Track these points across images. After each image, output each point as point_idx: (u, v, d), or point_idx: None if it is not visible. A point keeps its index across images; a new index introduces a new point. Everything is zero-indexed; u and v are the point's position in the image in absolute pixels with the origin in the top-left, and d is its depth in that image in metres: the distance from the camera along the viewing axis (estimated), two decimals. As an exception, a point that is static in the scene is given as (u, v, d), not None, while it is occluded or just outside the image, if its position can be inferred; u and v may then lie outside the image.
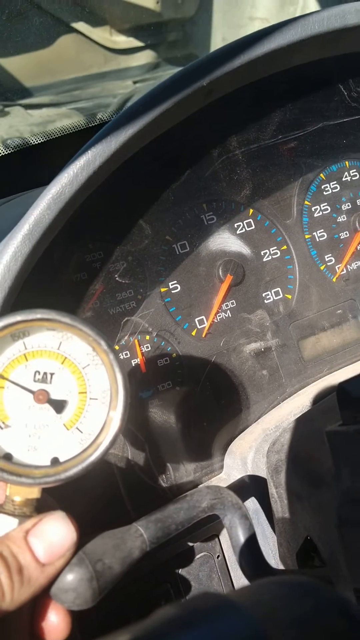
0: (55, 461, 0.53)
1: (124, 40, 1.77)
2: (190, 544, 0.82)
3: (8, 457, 0.52)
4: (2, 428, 0.52)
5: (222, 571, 0.83)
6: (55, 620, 0.52)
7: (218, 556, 0.83)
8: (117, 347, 0.82)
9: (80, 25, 1.69)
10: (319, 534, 0.60)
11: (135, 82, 1.73)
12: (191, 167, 0.82)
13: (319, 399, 0.83)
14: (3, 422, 0.52)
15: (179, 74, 0.64)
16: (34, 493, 0.52)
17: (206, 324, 0.87)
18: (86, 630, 0.65)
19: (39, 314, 0.51)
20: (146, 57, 1.84)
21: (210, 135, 0.81)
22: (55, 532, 0.50)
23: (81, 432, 0.53)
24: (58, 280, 0.80)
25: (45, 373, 0.53)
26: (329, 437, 0.57)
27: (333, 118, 0.87)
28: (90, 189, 0.66)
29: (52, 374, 0.53)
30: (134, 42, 1.78)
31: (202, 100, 0.69)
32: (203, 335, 0.87)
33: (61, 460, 0.53)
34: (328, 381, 0.88)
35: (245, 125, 0.83)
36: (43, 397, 0.52)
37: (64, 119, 1.55)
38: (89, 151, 0.62)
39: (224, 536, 0.85)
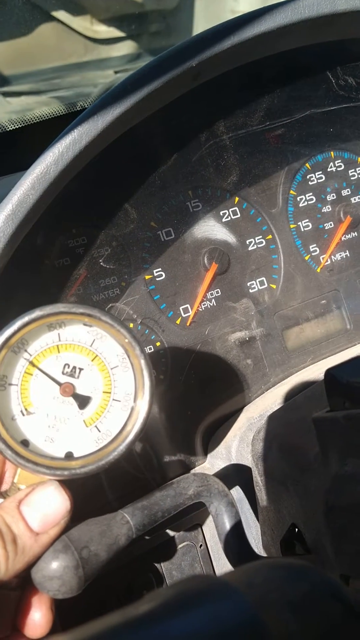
0: (69, 456, 0.53)
1: (105, 30, 1.75)
2: (173, 533, 0.81)
3: (25, 443, 0.52)
4: (24, 415, 0.52)
5: (204, 561, 0.83)
6: (38, 614, 0.51)
7: (201, 545, 0.83)
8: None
9: (61, 14, 1.67)
10: (305, 521, 0.59)
11: (116, 72, 1.71)
12: (178, 151, 0.81)
13: (303, 389, 0.83)
14: (26, 409, 0.52)
15: (168, 53, 0.63)
16: None
17: (191, 313, 0.86)
18: (66, 620, 0.63)
19: (81, 308, 0.52)
20: (127, 47, 1.82)
21: (197, 120, 0.80)
22: (49, 501, 0.49)
23: (99, 431, 0.54)
24: (41, 265, 0.79)
25: (74, 367, 0.54)
26: (316, 424, 0.56)
27: (320, 106, 0.86)
28: (76, 169, 0.64)
29: (80, 369, 0.54)
30: (115, 32, 1.76)
31: (191, 82, 0.67)
32: (187, 324, 0.86)
33: (75, 455, 0.53)
34: (312, 371, 0.88)
35: (233, 110, 0.82)
36: (69, 390, 0.53)
37: (43, 107, 1.53)
38: (75, 130, 0.60)
39: (207, 526, 0.84)
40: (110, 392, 0.54)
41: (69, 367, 0.54)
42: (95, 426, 0.54)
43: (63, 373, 0.54)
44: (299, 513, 0.60)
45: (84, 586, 0.50)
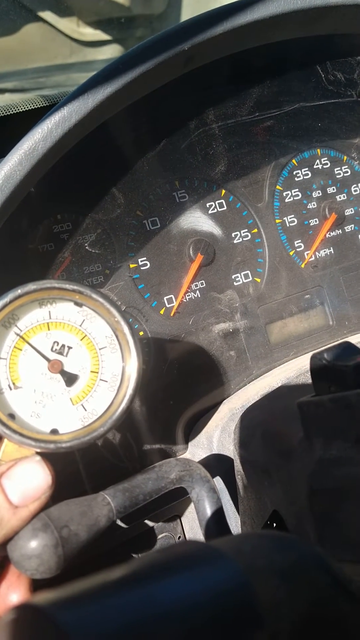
0: (54, 432, 0.53)
1: (90, 33, 1.75)
2: (152, 524, 0.80)
3: (11, 416, 0.52)
4: (11, 389, 0.52)
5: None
6: (16, 595, 0.50)
7: (179, 537, 0.82)
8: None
9: (47, 15, 1.66)
10: (287, 507, 0.59)
11: (101, 74, 1.70)
12: (167, 138, 0.80)
13: (285, 381, 0.82)
14: (14, 383, 0.52)
15: (160, 35, 0.62)
16: None
17: (175, 303, 0.85)
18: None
19: (73, 285, 0.52)
20: (112, 51, 1.82)
21: (188, 107, 0.80)
22: (30, 475, 0.48)
23: (85, 409, 0.54)
24: (24, 250, 0.78)
25: (63, 345, 0.54)
26: (301, 408, 0.56)
27: (309, 100, 0.87)
28: (63, 149, 0.63)
29: (69, 348, 0.54)
30: (100, 35, 1.76)
31: (182, 66, 0.67)
32: (171, 314, 0.85)
33: (60, 432, 0.53)
34: (294, 364, 0.88)
35: (223, 99, 0.82)
36: (57, 367, 0.53)
37: (28, 105, 1.52)
38: (65, 107, 0.59)
39: (185, 517, 0.83)
40: (97, 372, 0.55)
41: (58, 345, 0.54)
42: (82, 405, 0.54)
43: (52, 350, 0.54)
44: (281, 499, 0.60)
45: (63, 566, 0.48)
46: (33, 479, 0.49)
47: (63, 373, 0.53)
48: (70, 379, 0.53)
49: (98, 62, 1.79)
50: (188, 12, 1.90)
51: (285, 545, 0.33)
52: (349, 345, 0.55)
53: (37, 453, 0.51)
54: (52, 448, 0.50)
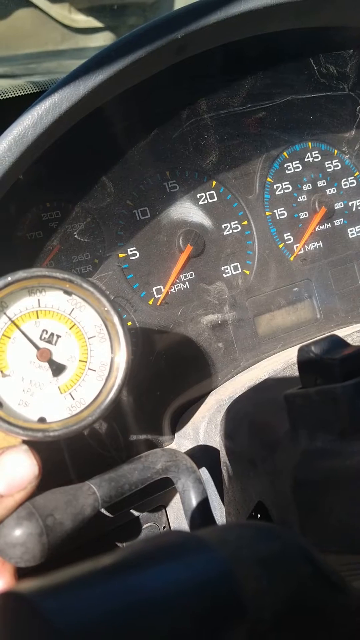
0: (42, 420, 0.53)
1: (83, 20, 1.73)
2: (137, 514, 0.80)
3: None
4: None
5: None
6: (0, 582, 0.49)
7: (164, 527, 0.82)
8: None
9: (39, 1, 1.64)
10: (273, 498, 0.59)
11: (93, 61, 1.69)
12: (159, 127, 0.80)
13: (272, 373, 0.83)
14: (1, 371, 0.52)
15: (153, 23, 0.62)
16: None
17: (162, 294, 0.85)
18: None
19: (64, 274, 0.52)
20: (104, 38, 1.81)
21: (180, 97, 0.80)
22: (17, 464, 0.48)
23: (73, 398, 0.54)
24: (12, 237, 0.77)
25: (52, 334, 0.54)
26: (288, 400, 0.56)
27: (302, 92, 0.87)
28: (53, 136, 0.63)
29: (58, 337, 0.54)
30: (93, 22, 1.74)
31: (175, 55, 0.67)
32: (158, 304, 0.85)
33: (48, 421, 0.53)
34: (281, 357, 0.89)
35: (216, 89, 0.82)
36: (46, 355, 0.53)
37: (17, 91, 1.50)
38: (56, 94, 0.59)
39: (170, 507, 0.84)
40: (86, 361, 0.54)
41: (46, 333, 0.54)
42: (70, 393, 0.54)
43: (41, 339, 0.54)
44: (266, 490, 0.60)
45: (47, 554, 0.48)
46: (19, 469, 0.48)
47: (51, 362, 0.53)
48: (58, 368, 0.53)
49: (89, 50, 1.78)
50: (181, 1, 1.88)
51: (268, 535, 0.33)
52: (336, 339, 0.55)
53: (24, 442, 0.51)
54: (39, 437, 0.50)
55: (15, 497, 0.48)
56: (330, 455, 0.51)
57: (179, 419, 0.84)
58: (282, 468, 0.56)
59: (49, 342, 0.53)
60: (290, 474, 0.54)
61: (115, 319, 0.52)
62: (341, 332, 0.95)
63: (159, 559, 0.28)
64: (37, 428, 0.50)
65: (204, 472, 0.77)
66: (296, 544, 0.35)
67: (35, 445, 0.52)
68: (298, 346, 0.92)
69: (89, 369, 0.54)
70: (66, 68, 1.63)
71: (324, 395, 0.51)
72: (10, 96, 1.15)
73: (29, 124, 0.58)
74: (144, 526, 0.81)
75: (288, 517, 0.55)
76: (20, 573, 0.51)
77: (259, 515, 0.65)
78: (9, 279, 0.49)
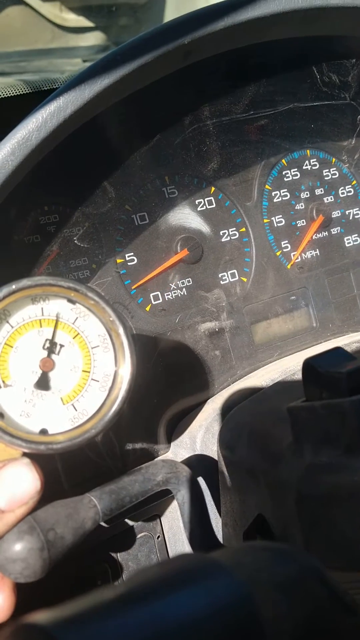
0: (43, 432, 0.52)
1: (73, 19, 1.72)
2: (132, 523, 0.79)
3: (0, 415, 0.51)
4: (0, 387, 0.51)
5: (161, 552, 0.81)
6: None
7: (158, 537, 0.81)
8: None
9: (30, -2, 1.63)
10: (274, 511, 0.59)
11: (84, 61, 1.68)
12: (161, 132, 0.79)
13: (269, 383, 0.82)
14: (3, 381, 0.51)
15: (160, 28, 0.61)
16: None
17: (161, 299, 0.84)
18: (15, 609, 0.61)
19: (69, 282, 0.51)
20: (95, 38, 1.80)
21: (183, 103, 0.79)
22: (19, 479, 0.47)
23: (75, 409, 0.53)
24: (9, 241, 0.76)
25: (55, 343, 0.53)
26: (292, 413, 0.56)
27: (304, 100, 0.86)
28: (57, 140, 0.62)
29: (61, 346, 0.53)
30: (83, 22, 1.74)
31: (181, 60, 0.66)
32: (147, 309, 0.83)
33: (50, 433, 0.52)
34: (278, 366, 0.88)
35: (219, 96, 0.81)
36: (49, 366, 0.52)
37: (8, 89, 1.49)
38: (61, 97, 0.58)
39: (165, 517, 0.83)
40: (89, 372, 0.53)
41: (49, 343, 0.52)
42: (72, 404, 0.52)
43: (44, 348, 0.52)
44: (267, 503, 0.59)
45: (48, 570, 0.47)
46: (21, 483, 0.47)
47: (44, 375, 0.52)
48: (43, 383, 0.52)
49: (80, 49, 1.77)
50: (173, 2, 1.88)
51: (284, 558, 0.33)
52: (341, 352, 0.55)
53: (25, 454, 0.49)
54: (42, 449, 0.49)
55: (16, 512, 0.46)
56: (335, 470, 0.50)
57: (175, 427, 0.83)
58: (285, 481, 0.55)
59: (52, 351, 0.52)
60: (294, 488, 0.53)
61: (121, 330, 0.51)
62: (337, 342, 0.95)
63: (177, 585, 0.27)
64: (40, 440, 0.49)
65: (200, 482, 0.76)
66: (312, 567, 0.34)
67: (35, 457, 0.50)
68: (294, 355, 0.93)
69: (92, 379, 0.53)
70: (56, 67, 1.62)
71: (331, 410, 0.51)
72: (1, 96, 1.14)
73: (33, 128, 0.57)
74: (139, 535, 0.80)
75: (290, 531, 0.55)
76: (20, 588, 0.50)
77: (258, 528, 0.64)
78: (13, 287, 0.48)
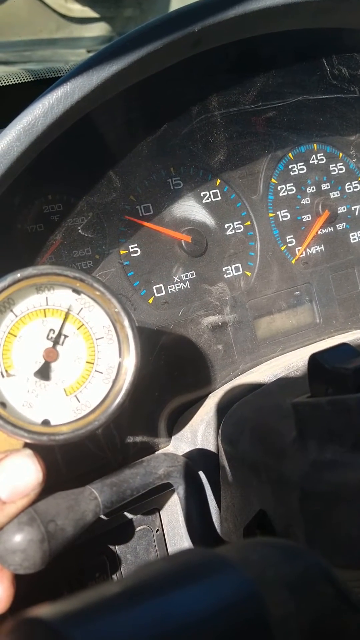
0: (46, 423, 0.51)
1: (78, 9, 1.72)
2: (130, 516, 0.79)
3: (2, 405, 0.50)
4: (3, 376, 0.50)
5: (159, 545, 0.81)
6: None
7: (157, 530, 0.81)
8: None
9: (35, -12, 1.62)
10: (276, 507, 0.58)
11: (89, 52, 1.67)
12: (169, 122, 0.78)
13: (271, 378, 0.82)
14: (6, 370, 0.50)
15: (171, 15, 0.60)
16: None
17: (164, 292, 0.84)
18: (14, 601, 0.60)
19: (75, 272, 0.50)
20: (100, 29, 1.79)
21: (191, 92, 0.78)
22: (21, 470, 0.46)
23: (79, 401, 0.52)
24: (13, 229, 0.75)
25: (59, 334, 0.52)
26: (296, 409, 0.55)
27: (313, 93, 0.85)
28: (63, 127, 0.61)
29: (65, 337, 0.52)
30: (88, 12, 1.73)
31: (189, 49, 0.65)
32: (150, 302, 0.82)
33: (52, 424, 0.51)
34: (280, 361, 0.87)
35: (227, 87, 0.80)
36: (52, 356, 0.52)
37: (12, 78, 1.47)
38: (68, 83, 0.57)
39: (164, 510, 0.82)
40: (93, 363, 0.52)
41: (54, 333, 0.52)
42: (75, 396, 0.52)
43: (47, 338, 0.52)
44: (269, 499, 0.59)
45: (48, 562, 0.47)
46: (24, 475, 0.46)
47: (47, 366, 0.51)
48: (45, 374, 0.51)
49: (85, 39, 1.76)
50: (177, -7, 1.87)
51: (292, 556, 0.32)
52: (348, 348, 0.54)
53: (26, 444, 0.49)
54: (45, 440, 0.48)
55: (18, 503, 0.46)
56: (341, 467, 0.49)
57: (177, 421, 0.82)
58: (289, 478, 0.54)
59: (56, 342, 0.52)
60: (297, 485, 0.53)
61: (126, 322, 0.50)
62: (341, 338, 0.94)
63: (184, 583, 0.27)
64: (43, 432, 0.48)
65: (200, 476, 0.76)
66: (319, 565, 0.33)
67: (36, 448, 0.50)
68: (297, 351, 0.92)
69: (95, 371, 0.52)
70: (61, 57, 1.61)
71: (337, 406, 0.50)
72: (5, 84, 1.13)
73: (40, 114, 0.56)
74: (138, 529, 0.80)
75: (292, 528, 0.54)
76: (19, 580, 0.49)
77: (259, 524, 0.63)
78: (18, 275, 0.47)
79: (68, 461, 0.75)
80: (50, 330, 0.52)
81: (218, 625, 0.25)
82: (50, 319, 0.51)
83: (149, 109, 0.76)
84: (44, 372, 0.51)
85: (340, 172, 1.00)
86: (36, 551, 0.46)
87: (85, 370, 0.53)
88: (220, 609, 0.26)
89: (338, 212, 0.98)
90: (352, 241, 1.00)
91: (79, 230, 0.77)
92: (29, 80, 1.22)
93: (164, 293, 0.84)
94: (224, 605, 0.26)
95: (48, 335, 0.51)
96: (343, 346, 0.55)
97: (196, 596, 0.26)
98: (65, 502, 0.49)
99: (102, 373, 0.52)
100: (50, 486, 0.73)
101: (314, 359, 0.54)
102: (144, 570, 0.27)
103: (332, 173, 0.99)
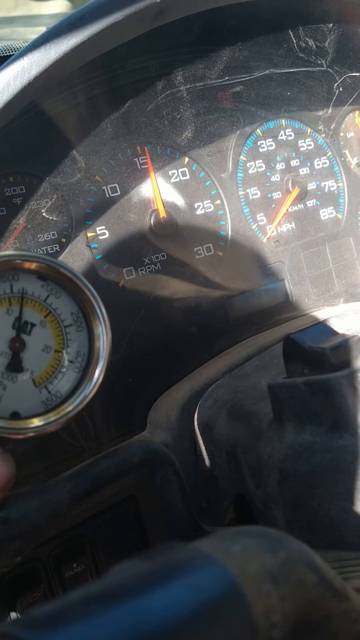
0: (15, 415, 0.49)
1: (37, -14, 1.66)
2: (106, 504, 0.77)
3: None
4: None
5: (138, 532, 0.80)
6: None
7: (134, 517, 0.80)
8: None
9: (-8, -35, 1.56)
10: (254, 490, 0.57)
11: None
12: (133, 98, 0.75)
13: (247, 358, 0.81)
14: None
15: (131, -16, 0.57)
16: None
17: (134, 275, 0.81)
18: None
19: (40, 257, 0.49)
20: (59, 6, 1.75)
21: (155, 67, 0.75)
22: None
23: (49, 392, 0.50)
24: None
25: (26, 322, 0.50)
26: (272, 390, 0.54)
27: (280, 66, 0.83)
28: (21, 104, 0.57)
29: (32, 325, 0.50)
30: (47, -11, 1.68)
31: (152, 21, 0.62)
32: (120, 285, 0.80)
33: (22, 416, 0.49)
34: (255, 341, 0.86)
35: (193, 60, 0.77)
36: (19, 346, 0.49)
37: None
38: (24, 58, 0.54)
39: (141, 497, 0.81)
40: (62, 352, 0.51)
41: (20, 322, 0.49)
42: (45, 387, 0.50)
43: (14, 328, 0.49)
44: (247, 483, 0.58)
45: (19, 558, 0.45)
46: None
47: (14, 357, 0.49)
48: (12, 365, 0.49)
49: (44, 17, 1.72)
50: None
51: (274, 545, 0.31)
52: (324, 327, 0.53)
53: None
54: (12, 433, 0.46)
55: None
56: (319, 448, 0.49)
57: (151, 406, 0.81)
58: (267, 461, 0.54)
59: (23, 331, 0.49)
60: (276, 468, 0.52)
61: (95, 307, 0.48)
62: (313, 315, 0.93)
63: (165, 580, 0.25)
64: (12, 426, 0.46)
65: (177, 462, 0.75)
66: (301, 552, 0.33)
67: (6, 443, 0.48)
68: (271, 330, 0.92)
69: (65, 359, 0.50)
70: (20, 35, 1.56)
71: (314, 387, 0.49)
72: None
73: (-5, 90, 0.53)
74: (114, 516, 0.78)
75: (271, 511, 0.54)
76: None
77: (236, 507, 0.63)
78: None
79: (40, 451, 0.73)
80: (16, 319, 0.49)
81: (200, 625, 0.24)
82: (16, 308, 0.49)
83: (112, 85, 0.73)
84: (12, 365, 0.49)
85: (309, 147, 0.98)
86: (8, 550, 0.44)
87: (54, 360, 0.51)
88: (202, 606, 0.25)
89: (308, 188, 0.97)
90: (322, 218, 0.99)
91: (43, 213, 0.74)
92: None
93: (134, 276, 0.82)
94: (205, 602, 0.25)
95: (14, 324, 0.49)
96: (319, 325, 0.54)
97: (177, 596, 0.25)
98: (37, 497, 0.48)
99: (72, 362, 0.51)
100: (23, 478, 0.71)
101: (290, 339, 0.53)
102: (122, 571, 0.26)
103: (301, 149, 0.98)
